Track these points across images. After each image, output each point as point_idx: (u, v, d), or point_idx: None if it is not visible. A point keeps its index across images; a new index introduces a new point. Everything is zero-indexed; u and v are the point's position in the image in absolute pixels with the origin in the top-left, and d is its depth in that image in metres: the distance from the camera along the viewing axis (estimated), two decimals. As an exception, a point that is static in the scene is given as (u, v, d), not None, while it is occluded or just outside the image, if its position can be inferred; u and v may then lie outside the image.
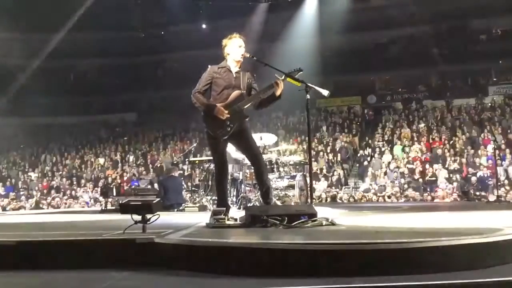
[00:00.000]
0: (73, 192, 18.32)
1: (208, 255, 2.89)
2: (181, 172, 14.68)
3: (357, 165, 18.32)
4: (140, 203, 3.58)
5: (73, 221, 6.77)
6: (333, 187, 16.74)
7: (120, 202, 3.86)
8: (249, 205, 7.98)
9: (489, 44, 20.87)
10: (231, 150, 9.01)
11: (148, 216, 3.54)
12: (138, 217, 3.58)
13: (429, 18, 20.53)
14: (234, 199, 8.60)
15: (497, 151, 15.55)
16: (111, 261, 3.22)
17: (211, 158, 9.40)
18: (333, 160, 18.35)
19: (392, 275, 2.43)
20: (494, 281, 2.44)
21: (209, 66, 5.11)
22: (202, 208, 8.84)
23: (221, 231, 3.85)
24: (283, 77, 4.85)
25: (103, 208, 10.86)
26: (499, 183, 13.94)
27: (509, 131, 17.49)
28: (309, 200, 7.78)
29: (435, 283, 2.34)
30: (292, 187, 9.11)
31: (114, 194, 11.03)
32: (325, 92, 4.76)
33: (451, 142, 17.63)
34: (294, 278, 2.53)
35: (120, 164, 18.80)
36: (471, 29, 21.25)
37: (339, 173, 17.40)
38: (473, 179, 15.05)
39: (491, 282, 2.43)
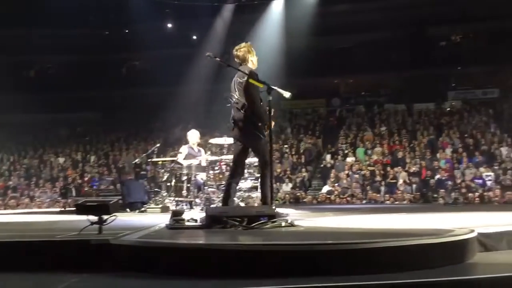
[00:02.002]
0: (31, 192, 17.77)
1: (163, 256, 2.86)
2: (144, 172, 14.52)
3: (321, 167, 18.52)
4: (96, 203, 3.51)
5: (30, 222, 6.58)
6: (297, 189, 16.87)
7: (76, 202, 3.78)
8: (212, 206, 7.94)
9: (448, 50, 21.55)
10: (203, 157, 9.00)
11: (105, 217, 3.48)
12: (95, 218, 3.51)
13: (392, 24, 20.99)
14: (198, 201, 8.55)
15: (454, 155, 16.12)
16: (66, 263, 3.16)
17: (174, 159, 9.40)
18: (297, 162, 18.50)
19: (342, 275, 2.48)
20: (442, 281, 2.52)
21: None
22: (165, 209, 8.72)
23: (179, 232, 3.83)
24: (245, 78, 4.86)
25: (63, 209, 10.61)
26: (456, 186, 14.42)
27: (466, 135, 18.07)
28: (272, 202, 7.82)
29: (383, 283, 2.40)
30: (255, 188, 9.13)
31: (74, 194, 10.78)
32: (287, 94, 4.81)
33: (411, 145, 18.06)
34: (248, 279, 2.54)
35: (80, 164, 18.39)
36: (431, 35, 21.84)
37: (304, 175, 17.56)
38: (432, 181, 15.47)
39: (439, 281, 2.50)
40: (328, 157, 18.46)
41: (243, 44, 5.35)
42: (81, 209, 3.54)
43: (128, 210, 9.13)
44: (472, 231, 3.41)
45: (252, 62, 5.28)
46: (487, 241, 3.58)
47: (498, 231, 3.81)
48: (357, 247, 2.58)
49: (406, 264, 2.67)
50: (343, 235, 3.41)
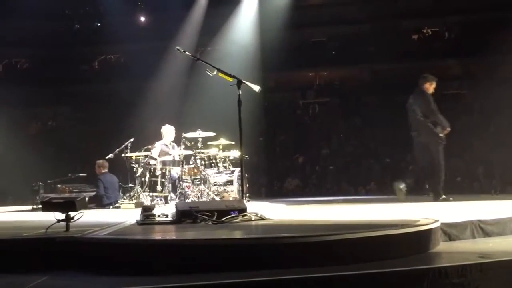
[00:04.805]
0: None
1: (130, 252, 2.85)
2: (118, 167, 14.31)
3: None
4: (62, 200, 3.46)
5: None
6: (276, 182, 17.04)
7: (42, 200, 3.73)
8: (187, 201, 7.93)
9: (420, 44, 21.84)
10: (176, 152, 8.98)
11: (72, 214, 3.44)
12: (62, 216, 3.46)
13: (365, 17, 21.16)
14: (172, 195, 8.54)
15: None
16: (34, 261, 3.10)
17: (148, 153, 9.34)
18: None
19: (307, 267, 2.51)
20: (404, 270, 2.58)
21: None
22: (139, 204, 8.66)
23: (148, 228, 3.82)
24: (215, 72, 4.87)
25: (34, 206, 10.38)
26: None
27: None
28: (246, 195, 7.87)
29: (346, 274, 2.45)
30: (231, 182, 9.13)
31: (45, 191, 10.56)
32: (256, 88, 4.84)
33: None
34: (215, 273, 2.56)
35: (52, 160, 18.05)
36: (403, 29, 22.09)
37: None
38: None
39: (402, 271, 2.56)
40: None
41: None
42: (47, 207, 3.49)
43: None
44: (436, 221, 3.50)
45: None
46: (450, 231, 3.68)
47: (462, 220, 3.92)
48: (322, 239, 2.62)
49: (369, 255, 2.73)
50: (309, 228, 3.46)
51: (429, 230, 3.23)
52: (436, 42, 22.07)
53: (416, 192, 12.12)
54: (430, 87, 7.91)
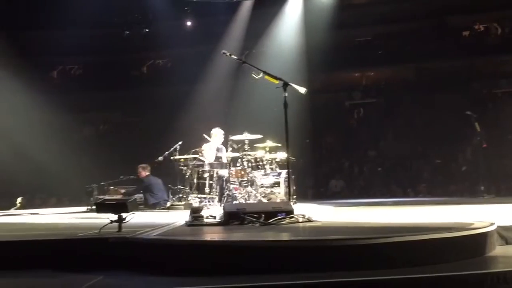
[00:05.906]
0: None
1: (180, 253, 2.90)
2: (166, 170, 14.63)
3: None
4: (115, 202, 3.57)
5: (55, 222, 6.72)
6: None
7: (96, 201, 3.87)
8: (234, 202, 7.98)
9: (472, 40, 21.03)
10: (223, 154, 9.10)
11: (124, 215, 3.54)
12: (114, 217, 3.58)
13: (413, 15, 20.60)
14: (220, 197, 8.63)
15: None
16: (89, 261, 3.22)
17: (196, 156, 9.50)
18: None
19: (357, 270, 2.47)
20: (457, 275, 2.49)
21: None
22: (188, 206, 8.81)
23: (197, 229, 3.88)
24: (261, 75, 4.89)
25: (89, 207, 10.76)
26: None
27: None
28: (293, 197, 7.83)
29: (398, 278, 2.39)
30: (277, 184, 9.12)
31: (99, 193, 10.92)
32: (302, 90, 4.82)
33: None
34: (256, 274, 2.56)
35: (104, 163, 18.66)
36: (454, 25, 21.35)
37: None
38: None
39: (455, 275, 2.47)
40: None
41: None
42: (100, 208, 3.62)
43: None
44: (492, 224, 3.35)
45: None
46: (507, 234, 3.52)
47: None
48: (371, 242, 2.57)
49: (421, 259, 2.65)
50: (358, 230, 3.40)
51: (485, 234, 3.10)
52: (489, 38, 21.18)
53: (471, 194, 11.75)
54: None
